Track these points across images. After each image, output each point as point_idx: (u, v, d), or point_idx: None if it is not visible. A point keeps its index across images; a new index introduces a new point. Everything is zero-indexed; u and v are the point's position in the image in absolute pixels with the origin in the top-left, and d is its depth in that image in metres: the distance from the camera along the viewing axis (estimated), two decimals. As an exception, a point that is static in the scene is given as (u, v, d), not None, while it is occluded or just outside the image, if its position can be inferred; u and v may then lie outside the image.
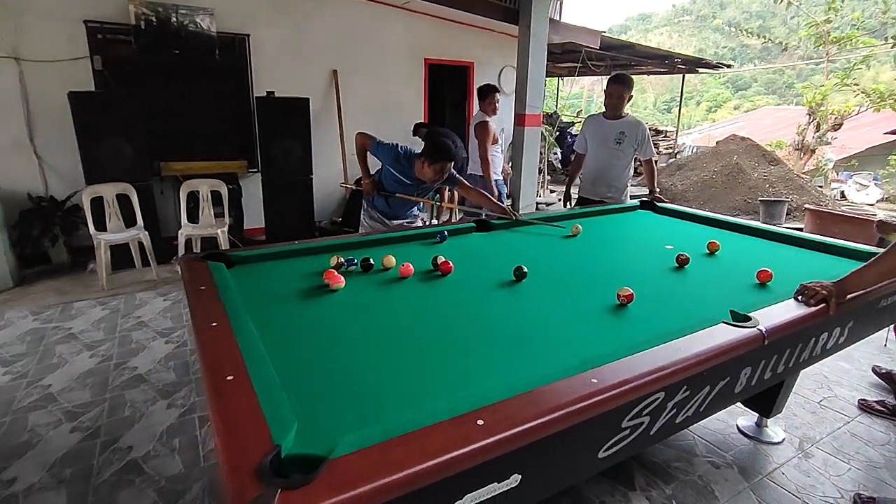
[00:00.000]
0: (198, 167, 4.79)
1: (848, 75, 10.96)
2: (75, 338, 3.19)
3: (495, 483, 0.96)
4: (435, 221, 5.02)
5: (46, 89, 4.38)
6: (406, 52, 6.42)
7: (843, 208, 7.25)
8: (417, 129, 5.81)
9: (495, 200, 2.84)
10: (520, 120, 5.46)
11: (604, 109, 3.56)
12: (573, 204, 3.79)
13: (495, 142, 4.40)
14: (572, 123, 11.45)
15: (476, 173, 4.46)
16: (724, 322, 1.45)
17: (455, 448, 0.88)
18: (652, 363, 1.20)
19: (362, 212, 3.02)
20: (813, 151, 10.74)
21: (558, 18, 7.81)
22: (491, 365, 1.30)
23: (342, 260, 1.96)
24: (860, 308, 1.79)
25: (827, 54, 12.06)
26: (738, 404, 2.26)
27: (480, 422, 0.95)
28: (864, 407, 2.59)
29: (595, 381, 1.11)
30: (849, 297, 1.66)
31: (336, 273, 1.82)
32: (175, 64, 4.81)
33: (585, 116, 5.73)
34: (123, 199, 4.21)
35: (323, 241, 2.34)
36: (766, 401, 2.13)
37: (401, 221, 2.93)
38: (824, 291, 1.63)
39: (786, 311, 1.58)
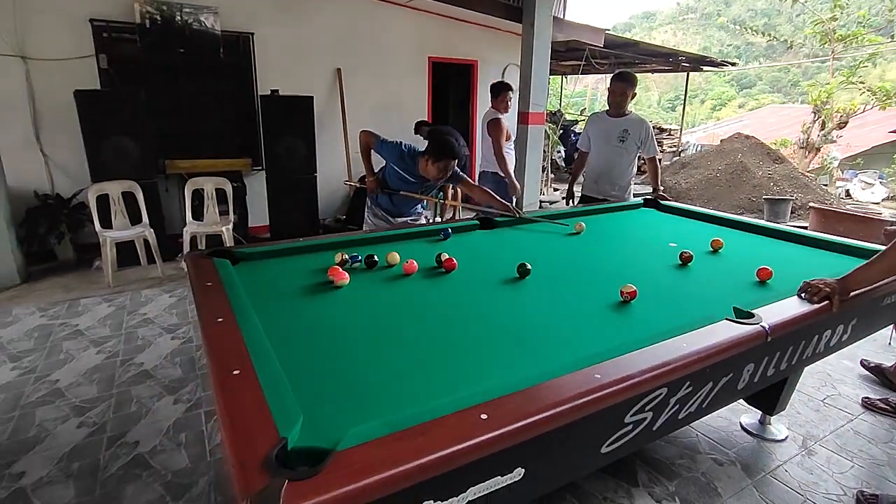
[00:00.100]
0: (202, 165, 4.82)
1: (854, 73, 10.91)
2: (82, 334, 3.21)
3: (499, 476, 0.97)
4: (438, 220, 5.02)
5: (52, 88, 4.41)
6: (410, 50, 6.43)
7: (848, 207, 7.22)
8: (419, 128, 5.83)
9: (499, 198, 2.84)
10: (523, 118, 5.45)
11: (607, 107, 3.56)
12: (576, 202, 3.79)
13: (508, 138, 4.36)
14: (576, 122, 11.42)
15: (488, 170, 4.39)
16: (727, 319, 1.46)
17: (458, 441, 0.89)
18: (654, 359, 1.21)
19: (366, 209, 3.03)
20: (818, 150, 10.69)
21: (562, 16, 7.80)
22: (494, 361, 1.31)
23: (346, 257, 1.97)
24: (863, 305, 1.79)
25: (833, 52, 12.01)
26: (742, 402, 2.26)
27: (484, 416, 0.96)
28: (868, 405, 2.59)
29: (598, 376, 1.12)
30: (852, 294, 1.66)
31: (340, 270, 1.83)
32: (180, 62, 4.83)
33: (589, 114, 5.72)
34: (129, 197, 4.23)
35: (327, 237, 2.35)
36: (770, 398, 2.13)
37: (405, 219, 2.94)
38: (827, 289, 1.63)
39: (789, 308, 1.58)
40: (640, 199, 3.37)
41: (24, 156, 4.44)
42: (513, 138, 4.58)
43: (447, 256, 1.98)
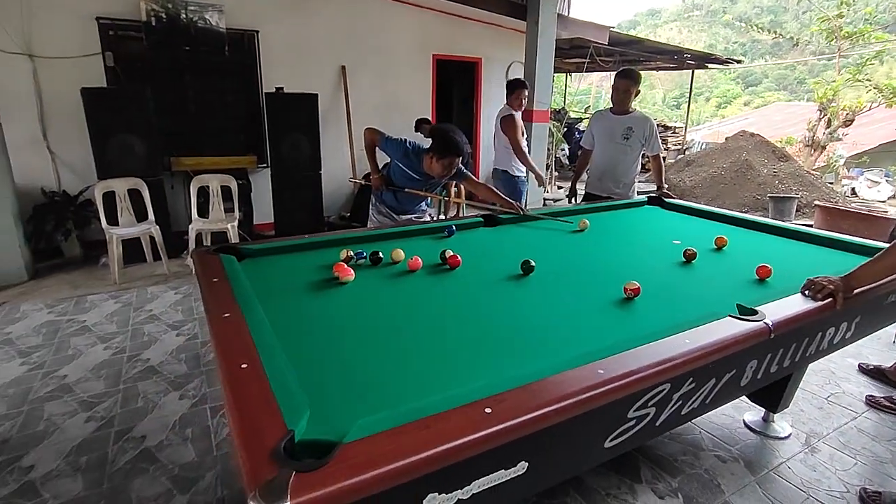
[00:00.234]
0: (208, 162, 4.85)
1: (860, 70, 10.85)
2: (89, 330, 3.24)
3: (503, 470, 0.98)
4: (442, 217, 5.03)
5: (59, 86, 4.44)
6: (414, 47, 6.43)
7: (853, 205, 7.18)
8: (419, 125, 5.83)
9: (502, 195, 2.84)
10: (528, 116, 5.45)
11: (611, 105, 3.55)
12: (580, 200, 3.79)
13: (523, 134, 4.35)
14: (580, 119, 11.41)
15: (499, 167, 4.36)
16: (730, 315, 1.46)
17: (463, 435, 0.90)
18: (658, 355, 1.22)
19: (371, 207, 3.04)
20: (824, 148, 10.64)
21: (566, 14, 7.78)
22: (498, 356, 1.32)
23: (352, 253, 1.99)
24: (867, 303, 1.79)
25: (839, 49, 11.94)
26: (745, 399, 2.27)
27: (488, 410, 0.97)
28: (872, 403, 2.59)
29: (601, 371, 1.13)
30: (856, 292, 1.67)
31: (346, 266, 1.84)
32: (185, 60, 4.86)
33: (593, 112, 5.72)
34: (135, 194, 4.26)
35: (332, 234, 2.37)
36: (773, 396, 2.13)
37: (409, 216, 2.95)
38: (831, 286, 1.63)
39: (792, 305, 1.59)
40: (644, 197, 3.37)
41: (31, 153, 4.48)
42: (525, 135, 4.55)
43: (451, 253, 1.99)
